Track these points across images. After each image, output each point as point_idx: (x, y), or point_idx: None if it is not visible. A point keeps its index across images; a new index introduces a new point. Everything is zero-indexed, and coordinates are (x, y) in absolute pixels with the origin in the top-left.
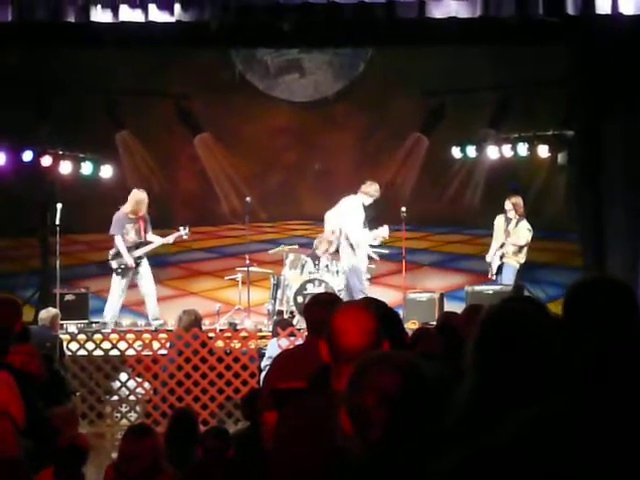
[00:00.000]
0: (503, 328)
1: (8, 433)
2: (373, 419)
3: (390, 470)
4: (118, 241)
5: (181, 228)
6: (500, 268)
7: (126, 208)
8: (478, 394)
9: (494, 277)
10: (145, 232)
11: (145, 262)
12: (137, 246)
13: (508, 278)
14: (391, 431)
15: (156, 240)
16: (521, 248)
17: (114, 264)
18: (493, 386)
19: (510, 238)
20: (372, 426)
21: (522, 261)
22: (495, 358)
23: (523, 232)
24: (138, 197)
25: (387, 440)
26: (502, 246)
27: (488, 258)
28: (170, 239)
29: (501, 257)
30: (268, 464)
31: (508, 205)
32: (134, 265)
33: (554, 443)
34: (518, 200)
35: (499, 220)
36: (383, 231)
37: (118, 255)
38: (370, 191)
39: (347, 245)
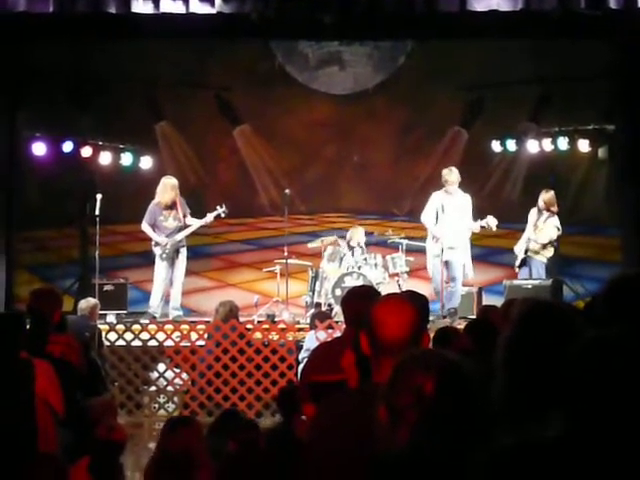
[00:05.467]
0: (536, 326)
1: (48, 423)
2: (404, 418)
3: (421, 468)
4: (143, 226)
5: (218, 207)
6: (524, 261)
7: (156, 198)
8: (509, 393)
9: (517, 270)
10: (184, 217)
11: (184, 251)
12: (178, 230)
13: (538, 273)
14: (420, 432)
15: (195, 222)
16: (545, 245)
17: (158, 250)
18: (525, 385)
19: (535, 234)
20: (402, 425)
21: (549, 255)
22: (527, 357)
23: (550, 229)
24: (164, 184)
25: (415, 440)
26: (528, 240)
27: (516, 250)
28: (209, 218)
29: (526, 251)
30: (303, 456)
31: (540, 201)
32: (166, 242)
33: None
34: (550, 197)
35: (532, 212)
36: (491, 221)
37: (158, 243)
38: (450, 179)
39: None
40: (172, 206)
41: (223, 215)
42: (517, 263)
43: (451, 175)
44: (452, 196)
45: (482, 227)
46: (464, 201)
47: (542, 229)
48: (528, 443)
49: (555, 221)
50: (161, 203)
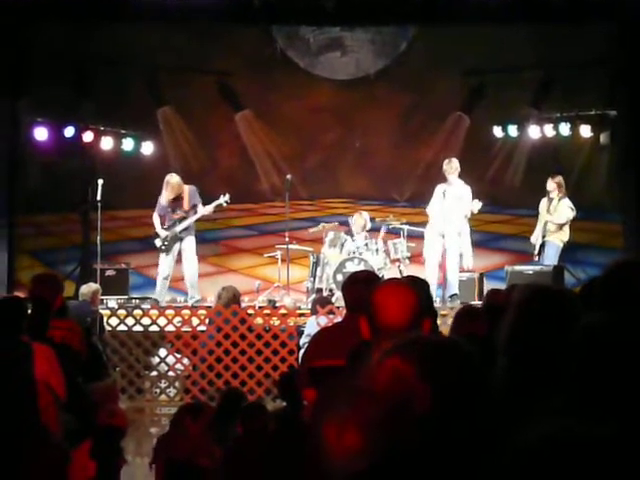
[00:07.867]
0: (536, 312)
1: (50, 407)
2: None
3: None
4: (154, 217)
5: (221, 196)
6: (542, 247)
7: (163, 195)
8: (510, 378)
9: (536, 257)
10: (195, 206)
11: (189, 240)
12: (181, 220)
13: (550, 257)
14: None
15: (198, 211)
16: (562, 226)
17: (157, 242)
18: (525, 370)
19: (551, 216)
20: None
21: (565, 239)
22: (528, 342)
23: (564, 210)
24: (166, 183)
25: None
26: (545, 224)
27: (532, 239)
28: (210, 208)
29: (543, 236)
30: (307, 441)
31: (551, 185)
32: (166, 235)
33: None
34: (561, 180)
35: (542, 202)
36: (475, 205)
37: (157, 234)
38: (448, 169)
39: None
40: (177, 199)
41: (225, 204)
42: (535, 251)
43: (449, 165)
44: (452, 186)
45: (472, 212)
46: (463, 191)
47: (557, 210)
48: (565, 437)
49: (568, 202)
50: (168, 200)
